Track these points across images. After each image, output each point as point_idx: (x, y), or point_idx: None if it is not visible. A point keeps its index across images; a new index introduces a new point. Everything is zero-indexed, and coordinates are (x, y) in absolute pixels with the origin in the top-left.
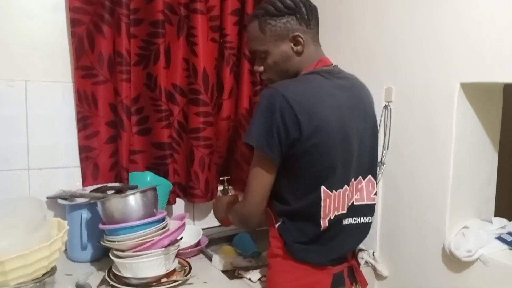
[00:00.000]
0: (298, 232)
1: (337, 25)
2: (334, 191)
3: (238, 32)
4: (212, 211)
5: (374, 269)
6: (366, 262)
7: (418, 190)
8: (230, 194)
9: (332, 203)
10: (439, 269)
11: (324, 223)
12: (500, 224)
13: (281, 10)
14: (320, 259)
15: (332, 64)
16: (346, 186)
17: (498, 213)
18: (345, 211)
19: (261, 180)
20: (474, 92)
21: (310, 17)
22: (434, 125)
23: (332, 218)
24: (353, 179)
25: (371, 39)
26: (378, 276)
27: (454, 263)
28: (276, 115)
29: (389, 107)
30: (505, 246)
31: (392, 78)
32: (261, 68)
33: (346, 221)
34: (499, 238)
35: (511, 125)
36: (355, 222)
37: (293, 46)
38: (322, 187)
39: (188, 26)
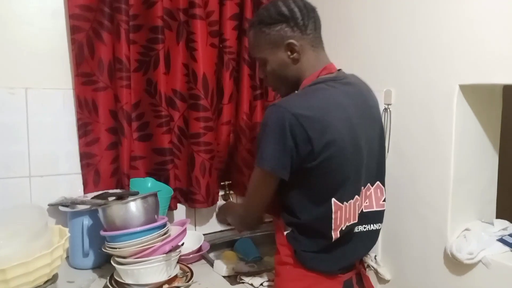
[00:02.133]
0: (308, 242)
1: (336, 27)
2: (345, 202)
3: (238, 36)
4: (213, 216)
5: (377, 272)
6: (368, 266)
7: (419, 193)
8: (231, 199)
9: (344, 214)
10: (441, 272)
11: (335, 234)
12: (501, 226)
13: (274, 18)
14: (331, 267)
15: (336, 70)
16: (357, 196)
17: (500, 215)
18: (356, 221)
19: (264, 192)
20: (473, 93)
21: (306, 22)
22: (434, 127)
23: (343, 229)
24: (362, 188)
25: (370, 42)
26: (381, 279)
27: (456, 265)
28: (286, 134)
29: (388, 110)
30: (507, 248)
31: (392, 80)
32: (263, 76)
33: (356, 229)
34: (501, 240)
35: (511, 126)
36: (365, 230)
37: (289, 53)
38: (333, 200)
39: (187, 32)
